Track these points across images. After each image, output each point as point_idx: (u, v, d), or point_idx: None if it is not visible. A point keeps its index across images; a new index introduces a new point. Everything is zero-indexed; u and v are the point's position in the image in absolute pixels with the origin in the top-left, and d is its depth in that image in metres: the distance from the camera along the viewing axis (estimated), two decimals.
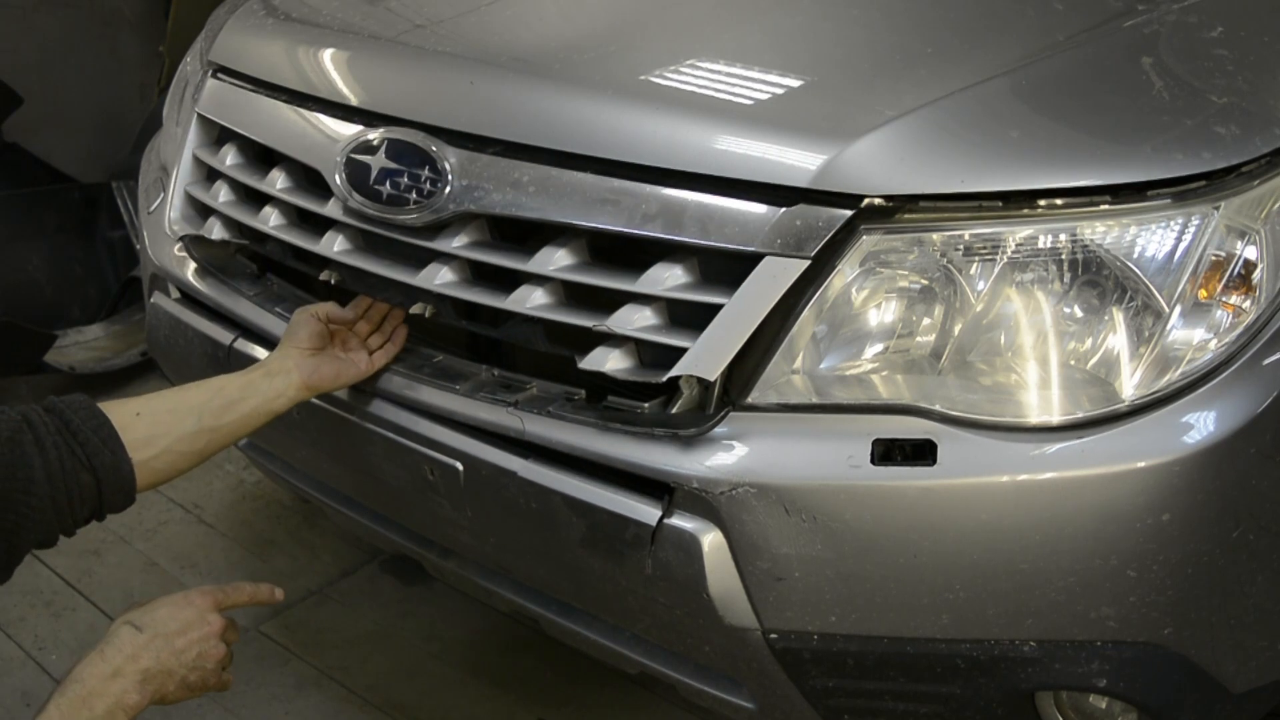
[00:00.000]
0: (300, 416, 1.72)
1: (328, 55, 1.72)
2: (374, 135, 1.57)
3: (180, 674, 1.32)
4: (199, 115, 1.89)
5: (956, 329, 1.34)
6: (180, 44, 2.46)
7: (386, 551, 2.37)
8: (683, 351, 1.35)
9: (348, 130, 1.62)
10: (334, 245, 1.64)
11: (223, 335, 1.80)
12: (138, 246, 2.37)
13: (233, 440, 1.55)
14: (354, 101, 1.64)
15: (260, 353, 1.74)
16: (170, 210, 1.87)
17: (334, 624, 2.33)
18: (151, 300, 1.98)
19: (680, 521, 1.36)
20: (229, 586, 1.42)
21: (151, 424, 1.43)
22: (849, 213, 1.32)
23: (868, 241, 1.33)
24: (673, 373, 1.35)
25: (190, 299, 1.90)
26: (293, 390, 1.56)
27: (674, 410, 1.40)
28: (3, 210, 3.15)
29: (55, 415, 1.36)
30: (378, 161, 1.55)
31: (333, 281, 1.69)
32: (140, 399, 1.46)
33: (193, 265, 1.87)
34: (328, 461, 1.84)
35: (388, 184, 1.54)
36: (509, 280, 1.50)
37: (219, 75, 1.89)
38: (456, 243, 1.53)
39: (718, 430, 1.36)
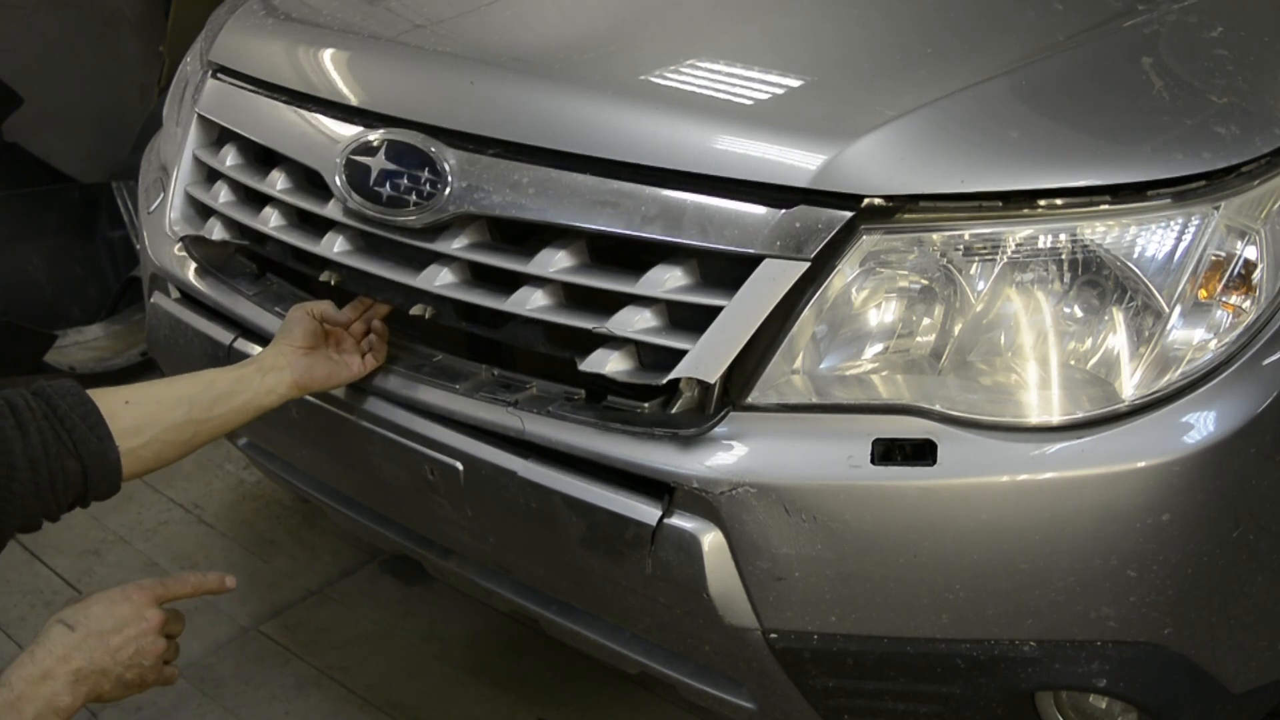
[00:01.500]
0: (300, 416, 1.72)
1: (328, 55, 1.72)
2: (374, 136, 1.57)
3: (116, 672, 1.29)
4: (199, 116, 1.89)
5: (956, 329, 1.34)
6: (180, 44, 2.46)
7: (386, 551, 2.37)
8: (683, 354, 1.35)
9: (347, 131, 1.62)
10: (334, 246, 1.64)
11: (223, 335, 1.80)
12: (138, 246, 2.37)
13: (221, 433, 1.55)
14: (354, 101, 1.64)
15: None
16: (170, 210, 1.87)
17: (334, 624, 2.33)
18: (151, 300, 1.98)
19: (680, 521, 1.36)
20: (170, 578, 1.38)
21: (140, 413, 1.43)
22: (849, 214, 1.32)
23: (868, 241, 1.33)
24: (673, 375, 1.35)
25: (190, 299, 1.90)
26: (284, 388, 1.56)
27: (674, 410, 1.40)
28: (3, 210, 3.15)
29: (42, 399, 1.36)
30: (377, 163, 1.55)
31: (333, 282, 1.69)
32: (130, 388, 1.45)
33: (193, 265, 1.87)
34: (328, 461, 1.84)
35: (387, 185, 1.54)
36: (509, 281, 1.50)
37: (219, 75, 1.89)
38: (456, 244, 1.53)
39: (718, 430, 1.36)
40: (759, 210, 1.34)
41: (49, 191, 3.27)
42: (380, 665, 2.22)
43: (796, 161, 1.33)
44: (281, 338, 1.60)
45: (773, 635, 1.40)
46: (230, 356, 1.77)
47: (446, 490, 1.56)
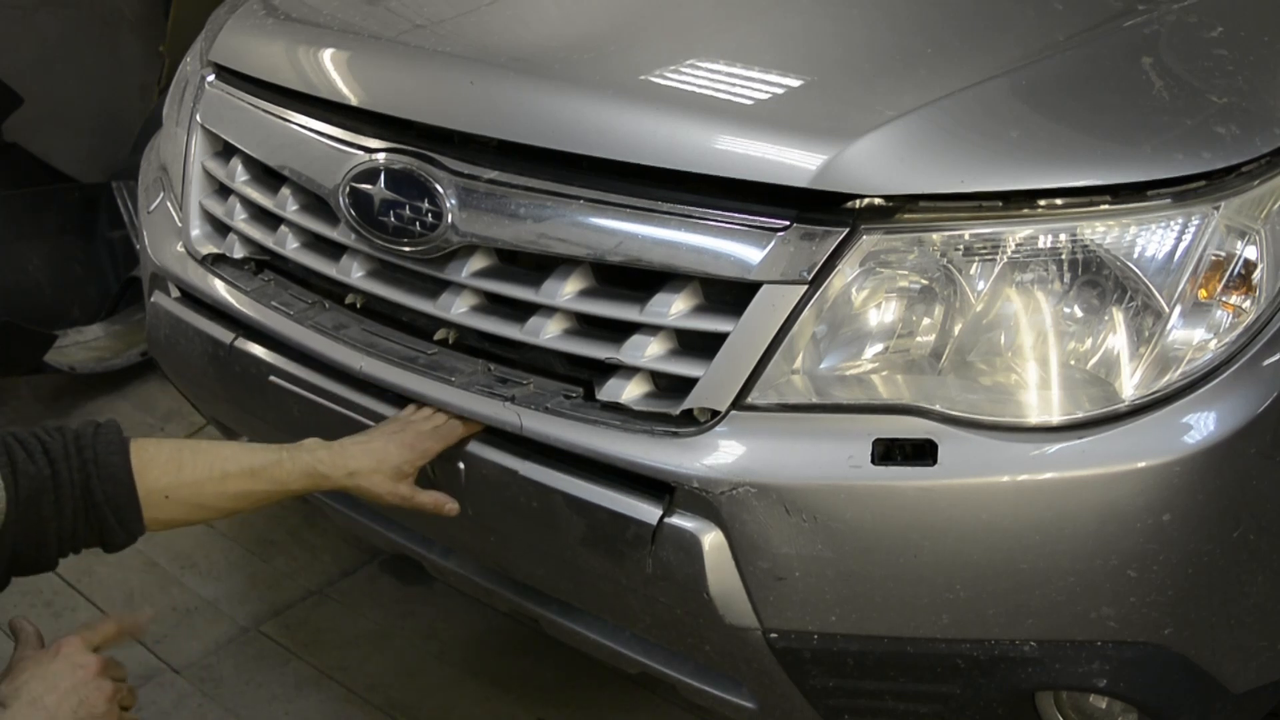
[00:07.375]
0: (299, 414, 1.72)
1: (328, 55, 1.72)
2: (374, 160, 1.56)
3: None
4: (203, 126, 1.89)
5: (956, 329, 1.34)
6: (180, 44, 2.46)
7: (386, 551, 2.37)
8: (694, 379, 1.37)
9: (348, 148, 1.62)
10: (353, 271, 1.66)
11: (223, 334, 1.79)
12: (138, 246, 2.36)
13: None
14: (353, 101, 1.64)
15: (262, 353, 1.74)
16: (191, 229, 1.86)
17: (334, 624, 2.33)
18: (152, 300, 1.98)
19: (681, 521, 1.36)
20: (95, 623, 1.37)
21: (176, 509, 1.46)
22: (843, 230, 1.32)
23: (868, 241, 1.33)
24: (685, 405, 1.37)
25: (190, 298, 1.89)
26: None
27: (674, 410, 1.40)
28: (3, 210, 3.15)
29: (84, 476, 1.38)
30: (379, 192, 1.55)
31: (358, 305, 1.70)
32: (178, 469, 1.43)
33: (192, 264, 1.87)
34: None
35: (391, 215, 1.54)
36: (522, 306, 1.51)
37: (219, 78, 1.89)
38: (465, 272, 1.54)
39: (718, 430, 1.36)
40: (754, 237, 1.34)
41: (49, 191, 3.27)
42: (380, 665, 2.22)
43: (797, 161, 1.33)
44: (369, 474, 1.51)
45: (773, 635, 1.40)
46: (231, 355, 1.77)
47: (448, 488, 1.55)
